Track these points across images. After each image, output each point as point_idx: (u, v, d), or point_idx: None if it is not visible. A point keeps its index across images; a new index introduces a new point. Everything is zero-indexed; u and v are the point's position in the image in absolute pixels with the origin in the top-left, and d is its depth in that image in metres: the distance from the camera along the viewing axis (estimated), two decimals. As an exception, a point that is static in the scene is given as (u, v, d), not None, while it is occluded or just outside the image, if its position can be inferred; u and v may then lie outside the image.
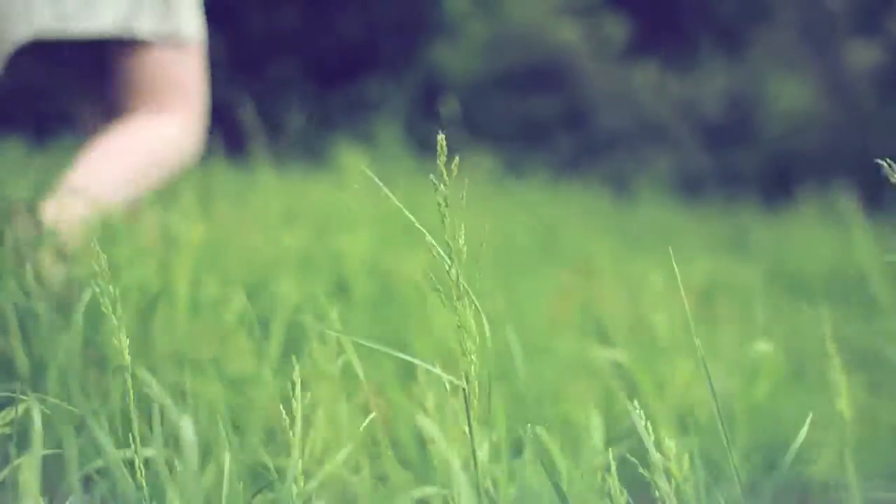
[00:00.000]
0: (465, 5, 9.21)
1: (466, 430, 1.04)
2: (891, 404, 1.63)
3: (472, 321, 0.90)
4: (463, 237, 0.78)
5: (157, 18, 2.16)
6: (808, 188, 7.43)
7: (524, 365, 1.38)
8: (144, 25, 2.14)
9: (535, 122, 8.61)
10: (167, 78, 2.22)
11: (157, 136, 2.18)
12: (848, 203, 3.76)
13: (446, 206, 0.81)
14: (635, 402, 0.94)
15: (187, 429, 0.70)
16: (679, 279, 0.96)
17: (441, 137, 0.82)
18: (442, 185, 0.81)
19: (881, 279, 2.98)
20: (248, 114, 2.83)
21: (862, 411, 1.77)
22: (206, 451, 1.06)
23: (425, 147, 5.29)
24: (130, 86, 2.20)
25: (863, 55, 9.91)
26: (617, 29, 9.77)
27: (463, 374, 1.00)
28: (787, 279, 3.19)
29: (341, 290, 1.96)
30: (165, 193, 2.20)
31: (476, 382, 1.11)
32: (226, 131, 5.49)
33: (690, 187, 8.25)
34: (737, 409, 1.18)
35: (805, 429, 1.33)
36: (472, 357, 0.86)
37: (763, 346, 1.36)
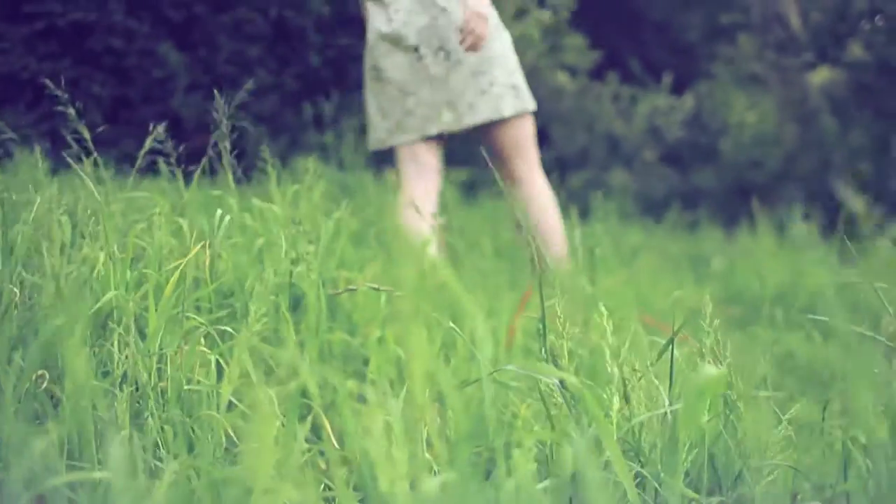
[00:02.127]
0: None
1: (416, 451, 1.06)
2: (840, 424, 1.66)
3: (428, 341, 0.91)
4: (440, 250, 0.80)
5: (514, 103, 3.26)
6: (767, 209, 7.52)
7: (474, 388, 1.40)
8: (506, 108, 3.25)
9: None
10: (523, 139, 3.34)
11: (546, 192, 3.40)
12: (802, 226, 3.83)
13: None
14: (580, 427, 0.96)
15: (116, 450, 0.71)
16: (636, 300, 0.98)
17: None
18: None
19: (832, 301, 3.03)
20: (220, 134, 2.84)
21: (810, 432, 1.80)
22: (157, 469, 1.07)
23: (387, 163, 5.29)
24: (505, 151, 3.36)
25: (824, 77, 10.03)
26: (581, 50, 9.83)
27: (415, 394, 1.01)
28: (742, 301, 3.23)
29: (297, 307, 1.97)
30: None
31: (426, 404, 1.12)
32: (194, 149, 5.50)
33: (653, 208, 8.32)
34: (682, 433, 1.20)
35: (749, 450, 1.36)
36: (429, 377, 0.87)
37: (711, 370, 1.38)
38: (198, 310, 1.83)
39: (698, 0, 13.30)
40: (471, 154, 8.43)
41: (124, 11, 6.00)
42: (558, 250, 3.20)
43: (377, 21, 3.25)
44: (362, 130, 5.99)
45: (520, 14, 10.13)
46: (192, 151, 2.69)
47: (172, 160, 2.57)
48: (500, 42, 3.29)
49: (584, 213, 7.34)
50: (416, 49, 3.20)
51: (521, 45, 9.96)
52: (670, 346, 1.40)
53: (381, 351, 1.82)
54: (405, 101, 3.24)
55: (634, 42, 13.29)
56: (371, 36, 3.29)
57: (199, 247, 1.87)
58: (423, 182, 3.29)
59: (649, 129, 9.70)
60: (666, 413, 1.27)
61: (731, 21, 13.38)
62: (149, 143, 2.64)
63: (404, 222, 3.17)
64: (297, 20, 6.66)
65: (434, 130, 3.25)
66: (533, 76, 9.39)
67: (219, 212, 2.11)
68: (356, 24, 7.27)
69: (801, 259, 3.65)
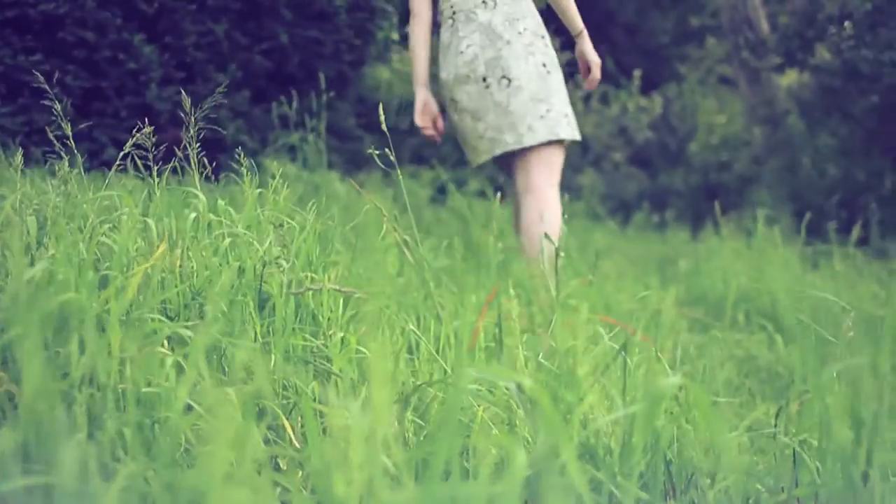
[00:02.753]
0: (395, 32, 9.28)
1: (373, 453, 1.07)
2: (797, 426, 1.68)
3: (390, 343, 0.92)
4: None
5: (547, 129, 3.58)
6: (734, 211, 7.59)
7: (433, 390, 1.41)
8: (563, 131, 3.60)
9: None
10: (559, 158, 3.68)
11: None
12: (766, 228, 3.86)
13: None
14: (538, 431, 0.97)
15: (67, 453, 0.72)
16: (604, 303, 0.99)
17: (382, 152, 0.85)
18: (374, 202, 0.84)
19: (793, 304, 3.06)
20: (186, 130, 2.84)
21: (765, 436, 1.83)
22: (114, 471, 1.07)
23: (359, 163, 5.27)
24: (523, 170, 3.66)
25: (791, 80, 10.11)
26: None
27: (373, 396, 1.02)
28: (706, 303, 3.26)
29: (264, 306, 1.97)
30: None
31: (385, 406, 1.13)
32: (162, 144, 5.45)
33: (621, 209, 8.36)
34: (637, 437, 1.22)
35: (702, 454, 1.38)
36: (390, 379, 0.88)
37: (670, 373, 1.40)
38: (164, 311, 1.84)
39: (669, 3, 13.39)
40: (443, 155, 8.45)
41: (96, 3, 5.96)
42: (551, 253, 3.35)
43: (449, 60, 3.70)
44: (328, 131, 6.00)
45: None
46: (164, 147, 2.69)
47: (146, 158, 2.57)
48: (557, 75, 3.71)
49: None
50: (483, 79, 3.60)
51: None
52: (624, 350, 1.42)
53: (344, 352, 1.83)
54: (477, 126, 3.65)
55: (605, 43, 13.33)
56: (444, 73, 3.74)
57: (163, 247, 1.87)
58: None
59: (618, 131, 9.76)
60: (623, 417, 1.28)
61: (701, 24, 13.48)
62: (129, 146, 2.63)
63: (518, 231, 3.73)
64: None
65: (499, 151, 3.63)
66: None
67: (190, 215, 2.12)
68: (325, 18, 7.29)
69: (765, 261, 3.68)
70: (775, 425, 1.68)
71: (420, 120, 3.78)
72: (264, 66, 6.70)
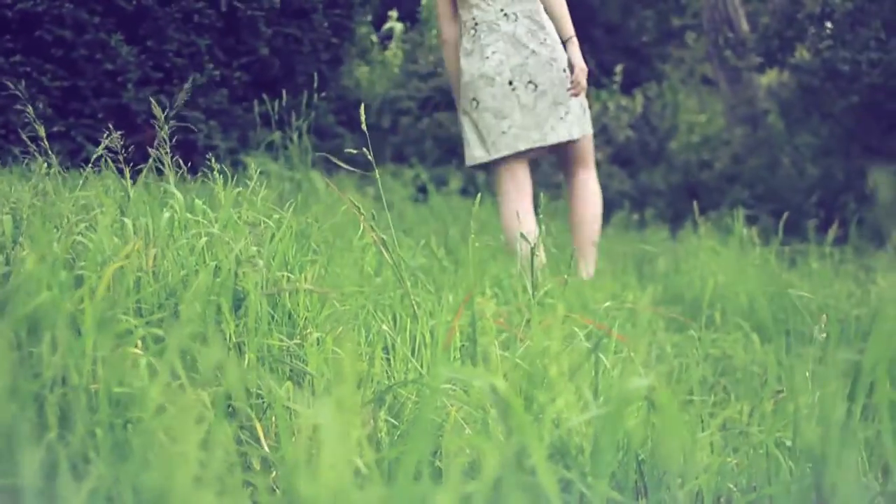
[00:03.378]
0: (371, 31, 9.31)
1: (344, 454, 1.07)
2: (771, 425, 1.69)
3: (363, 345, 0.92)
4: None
5: (580, 127, 4.22)
6: (714, 212, 7.61)
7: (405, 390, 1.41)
8: (575, 132, 4.20)
9: (452, 140, 8.68)
10: (586, 151, 4.36)
11: (595, 190, 4.40)
12: (744, 228, 3.87)
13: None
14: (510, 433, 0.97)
15: (30, 455, 0.72)
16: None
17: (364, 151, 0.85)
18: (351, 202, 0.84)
19: (767, 304, 3.08)
20: (162, 129, 2.84)
21: (739, 435, 1.83)
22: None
23: (336, 163, 5.28)
24: (571, 160, 4.39)
25: (772, 79, 10.15)
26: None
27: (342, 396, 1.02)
28: (683, 302, 3.27)
29: (239, 306, 1.97)
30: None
31: (356, 407, 1.13)
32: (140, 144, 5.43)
33: (603, 208, 8.37)
34: (608, 437, 1.22)
35: (674, 454, 1.38)
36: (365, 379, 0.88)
37: (642, 375, 1.40)
38: (139, 311, 1.83)
39: (650, 2, 13.42)
40: (424, 153, 8.45)
41: (75, 2, 5.93)
42: (594, 234, 4.25)
43: (473, 64, 4.20)
44: (310, 130, 5.98)
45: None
46: (140, 146, 2.69)
47: (120, 157, 2.57)
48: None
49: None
50: (510, 83, 4.13)
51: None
52: (596, 350, 1.42)
53: (319, 352, 1.82)
54: (500, 124, 4.15)
55: (586, 42, 13.31)
56: (467, 76, 4.22)
57: (136, 246, 1.87)
58: (521, 195, 4.22)
59: (599, 129, 9.78)
60: (594, 417, 1.28)
61: (682, 23, 13.51)
62: (101, 148, 2.63)
63: (510, 227, 4.13)
64: (247, 11, 6.62)
65: (523, 147, 4.15)
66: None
67: (166, 214, 2.11)
68: (302, 16, 7.27)
69: (743, 260, 3.70)
70: (748, 424, 1.69)
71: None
72: (243, 80, 6.70)
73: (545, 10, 4.23)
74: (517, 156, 4.20)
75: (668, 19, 13.39)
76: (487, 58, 4.13)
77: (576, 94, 4.19)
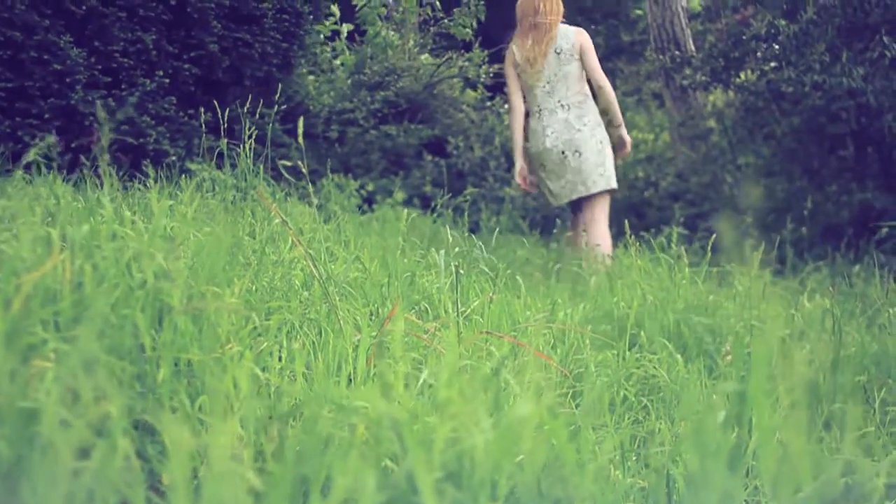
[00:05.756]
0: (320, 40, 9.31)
1: (239, 473, 1.09)
2: (672, 450, 1.72)
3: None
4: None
5: (606, 181, 5.80)
6: (655, 229, 7.68)
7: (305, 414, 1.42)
8: (612, 184, 5.85)
9: (398, 152, 8.69)
10: (607, 199, 5.93)
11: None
12: (677, 249, 3.93)
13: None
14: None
15: None
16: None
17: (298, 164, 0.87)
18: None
19: (691, 325, 3.13)
20: (104, 132, 2.84)
21: (651, 455, 1.87)
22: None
23: (286, 172, 5.25)
24: (589, 208, 5.85)
25: (717, 99, 10.26)
26: (482, 65, 9.91)
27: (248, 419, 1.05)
28: (612, 320, 3.30)
29: (161, 320, 1.98)
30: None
31: (255, 430, 1.15)
32: (82, 148, 5.37)
33: (545, 223, 8.43)
34: (503, 459, 1.25)
35: (570, 476, 1.41)
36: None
37: (544, 395, 1.43)
38: (56, 324, 1.83)
39: (600, 18, 13.53)
40: (370, 164, 8.46)
41: (27, 4, 5.88)
42: (603, 267, 5.19)
43: (538, 139, 5.84)
44: (257, 139, 5.96)
45: (423, 25, 10.18)
46: (86, 149, 2.68)
47: (54, 164, 2.57)
48: (608, 148, 5.89)
49: (475, 228, 7.42)
50: (563, 153, 5.78)
51: (420, 60, 10.04)
52: (499, 368, 1.45)
53: (238, 367, 1.83)
54: (559, 181, 5.85)
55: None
56: (534, 148, 5.88)
57: (60, 257, 1.87)
58: (574, 223, 6.01)
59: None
60: (491, 438, 1.31)
61: (632, 39, 13.63)
62: (32, 154, 2.63)
63: (574, 246, 5.84)
64: (198, 4, 6.59)
65: (575, 197, 5.83)
66: (433, 89, 9.49)
67: (84, 226, 2.11)
68: (252, 21, 7.25)
69: (673, 279, 3.75)
70: (661, 444, 1.73)
71: (519, 179, 5.95)
72: (192, 73, 6.66)
73: (604, 101, 5.91)
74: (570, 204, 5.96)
75: (618, 34, 13.52)
76: (548, 136, 5.79)
77: (623, 158, 6.47)
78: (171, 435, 1.01)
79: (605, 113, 5.98)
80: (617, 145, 6.00)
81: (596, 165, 5.75)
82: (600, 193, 5.80)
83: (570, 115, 5.80)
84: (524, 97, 5.94)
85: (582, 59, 5.91)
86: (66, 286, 1.88)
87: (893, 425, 2.51)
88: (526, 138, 5.96)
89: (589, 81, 5.98)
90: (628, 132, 6.70)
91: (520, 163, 5.91)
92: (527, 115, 5.97)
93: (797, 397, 1.30)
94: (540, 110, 5.84)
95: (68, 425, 1.32)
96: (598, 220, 5.81)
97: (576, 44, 5.88)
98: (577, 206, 5.96)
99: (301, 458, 1.15)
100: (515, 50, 5.91)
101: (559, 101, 5.81)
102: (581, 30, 6.01)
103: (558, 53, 5.82)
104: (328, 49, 9.74)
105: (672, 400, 2.54)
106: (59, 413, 1.27)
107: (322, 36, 9.46)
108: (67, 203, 2.82)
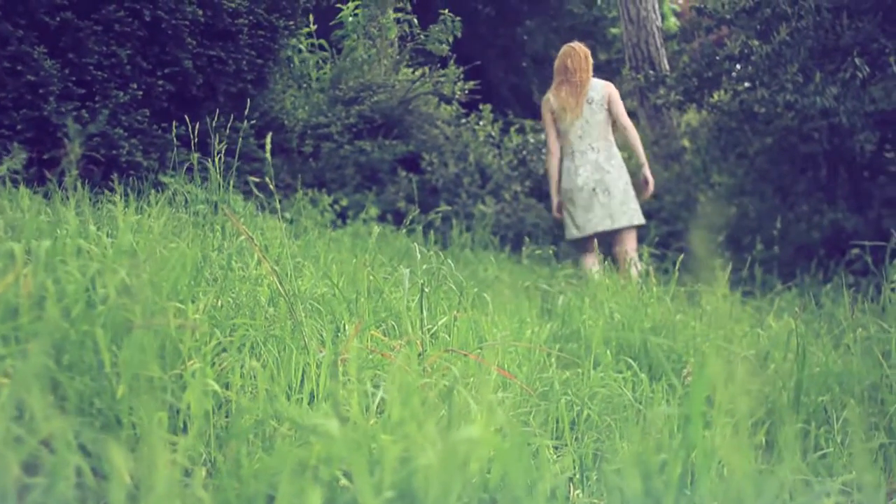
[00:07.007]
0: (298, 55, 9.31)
1: (191, 490, 1.09)
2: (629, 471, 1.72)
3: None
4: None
5: (629, 219, 6.63)
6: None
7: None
8: (635, 220, 6.69)
9: (372, 167, 8.70)
10: (635, 233, 6.80)
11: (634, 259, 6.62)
12: (646, 267, 3.95)
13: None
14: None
15: None
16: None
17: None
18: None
19: (656, 345, 3.15)
20: (74, 146, 2.83)
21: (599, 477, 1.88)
22: None
23: (258, 185, 5.25)
24: (620, 243, 6.69)
25: (691, 118, 10.32)
26: (457, 81, 9.93)
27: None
28: (579, 338, 3.32)
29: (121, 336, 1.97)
30: None
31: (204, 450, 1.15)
32: (54, 160, 5.34)
33: (516, 240, 8.45)
34: (452, 479, 1.25)
35: (519, 497, 1.42)
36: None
37: (476, 427, 1.43)
38: (16, 339, 1.83)
39: (577, 36, 13.59)
40: (344, 180, 8.46)
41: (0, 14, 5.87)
42: (630, 274, 5.73)
43: (570, 178, 6.64)
44: (231, 153, 5.96)
45: (401, 42, 10.20)
46: (57, 161, 2.67)
47: (20, 178, 2.56)
48: (631, 187, 6.65)
49: (445, 243, 7.43)
50: (593, 189, 6.56)
51: (396, 78, 10.07)
52: (454, 387, 1.46)
53: (198, 384, 1.83)
54: (587, 215, 6.57)
55: (514, 73, 13.51)
56: (566, 185, 6.67)
57: (15, 272, 1.87)
58: (594, 254, 6.58)
59: (518, 162, 9.87)
60: (442, 458, 1.31)
61: (608, 58, 13.70)
62: (3, 168, 2.62)
63: (587, 269, 6.24)
64: (172, 21, 6.59)
65: (601, 229, 6.53)
66: (408, 105, 9.51)
67: (44, 242, 2.11)
68: (227, 37, 7.25)
69: (640, 299, 3.77)
70: (594, 466, 1.73)
71: (556, 213, 6.79)
72: (166, 89, 6.66)
73: (629, 142, 6.68)
74: (594, 234, 6.57)
75: (594, 53, 13.59)
76: (579, 175, 6.59)
77: (647, 196, 6.77)
78: (111, 456, 1.01)
79: (623, 148, 7.03)
80: (642, 180, 6.71)
81: (621, 203, 6.57)
82: (627, 228, 6.61)
83: (600, 156, 6.63)
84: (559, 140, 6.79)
85: (610, 109, 6.68)
86: (26, 301, 1.88)
87: (853, 446, 2.53)
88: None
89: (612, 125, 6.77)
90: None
91: (556, 199, 6.77)
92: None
93: (741, 418, 1.31)
94: (573, 152, 6.68)
95: (20, 441, 1.32)
96: (630, 250, 6.58)
97: (605, 95, 6.67)
98: (599, 237, 6.70)
99: (257, 475, 1.15)
100: (552, 98, 6.73)
101: (590, 144, 6.64)
102: (609, 83, 6.79)
103: (590, 103, 6.65)
104: (304, 66, 9.75)
105: (633, 419, 2.55)
106: (10, 429, 1.26)
107: (299, 51, 9.47)
108: (32, 217, 2.80)
